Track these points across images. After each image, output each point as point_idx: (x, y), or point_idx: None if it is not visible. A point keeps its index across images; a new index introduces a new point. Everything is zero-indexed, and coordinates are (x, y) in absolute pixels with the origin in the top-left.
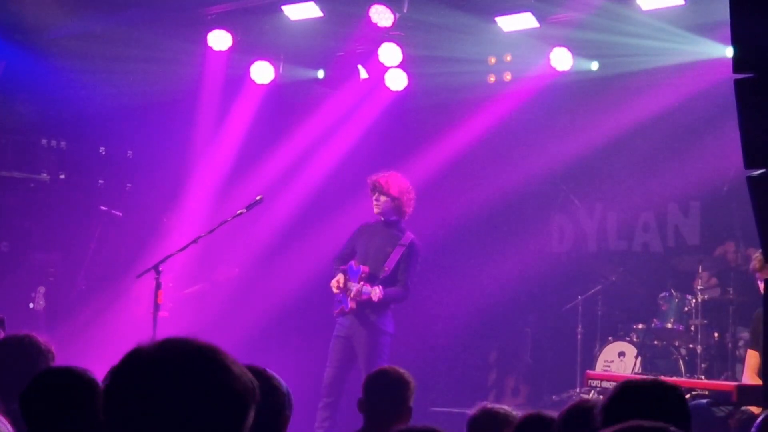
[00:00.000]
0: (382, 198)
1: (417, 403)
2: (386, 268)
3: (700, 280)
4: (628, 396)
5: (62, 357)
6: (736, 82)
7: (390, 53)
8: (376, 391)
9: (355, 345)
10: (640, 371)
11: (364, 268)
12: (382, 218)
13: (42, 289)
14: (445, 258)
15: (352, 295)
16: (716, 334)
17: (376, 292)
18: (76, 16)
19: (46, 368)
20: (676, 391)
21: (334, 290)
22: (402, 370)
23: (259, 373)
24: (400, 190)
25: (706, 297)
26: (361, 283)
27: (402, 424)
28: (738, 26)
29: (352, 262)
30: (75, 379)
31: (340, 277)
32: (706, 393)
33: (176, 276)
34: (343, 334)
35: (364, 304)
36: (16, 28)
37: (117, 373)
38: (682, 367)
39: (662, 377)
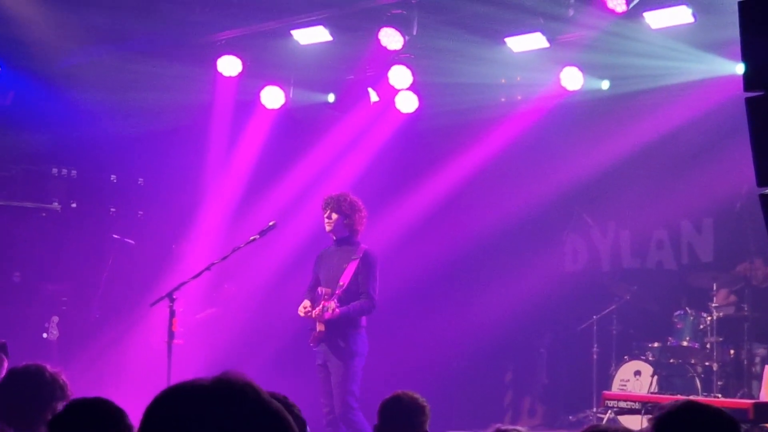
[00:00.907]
0: (334, 215)
1: (433, 426)
2: (342, 283)
3: (716, 298)
4: (685, 415)
5: (78, 387)
6: (747, 99)
7: (400, 76)
8: (392, 416)
9: (330, 369)
10: (656, 390)
11: (325, 290)
12: (334, 237)
13: (55, 319)
14: (459, 278)
15: (313, 316)
16: (732, 351)
17: (330, 307)
18: (85, 45)
19: (76, 399)
20: (735, 426)
21: (302, 315)
22: (416, 395)
23: (281, 402)
24: (352, 208)
25: (721, 314)
26: (322, 303)
27: None
28: (748, 44)
29: (319, 288)
30: (103, 409)
31: (306, 302)
32: None
33: (186, 300)
34: (321, 362)
35: (333, 327)
36: (24, 57)
37: (158, 406)
38: (699, 384)
39: (699, 398)
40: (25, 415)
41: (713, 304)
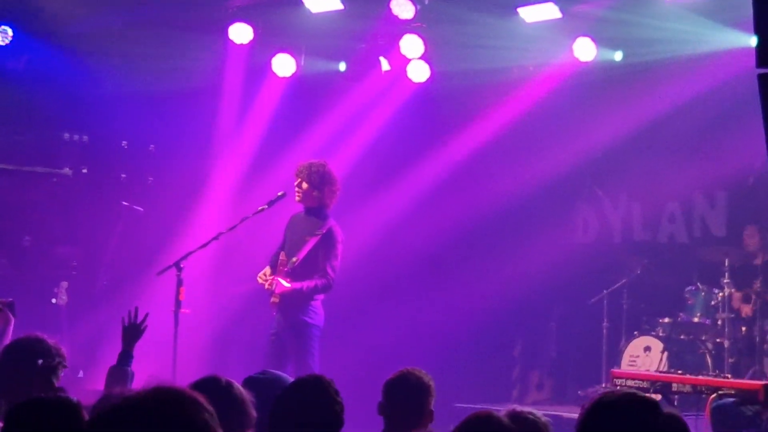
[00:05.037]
0: (304, 185)
1: (440, 399)
2: (295, 259)
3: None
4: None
5: (84, 353)
6: (760, 76)
7: (412, 45)
8: (396, 395)
9: (284, 340)
10: (666, 366)
11: (282, 259)
12: (304, 206)
13: (65, 284)
14: (469, 251)
15: (266, 288)
16: (743, 328)
17: (281, 284)
18: (97, 11)
19: (31, 398)
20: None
21: (259, 282)
22: (422, 373)
23: (316, 382)
24: (323, 180)
25: (733, 290)
26: (274, 277)
27: (423, 427)
28: (761, 19)
29: (281, 255)
30: (60, 408)
31: (266, 269)
32: (733, 392)
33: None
34: (274, 330)
35: (288, 298)
36: (37, 22)
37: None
38: (709, 361)
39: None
40: (24, 387)
41: (725, 280)
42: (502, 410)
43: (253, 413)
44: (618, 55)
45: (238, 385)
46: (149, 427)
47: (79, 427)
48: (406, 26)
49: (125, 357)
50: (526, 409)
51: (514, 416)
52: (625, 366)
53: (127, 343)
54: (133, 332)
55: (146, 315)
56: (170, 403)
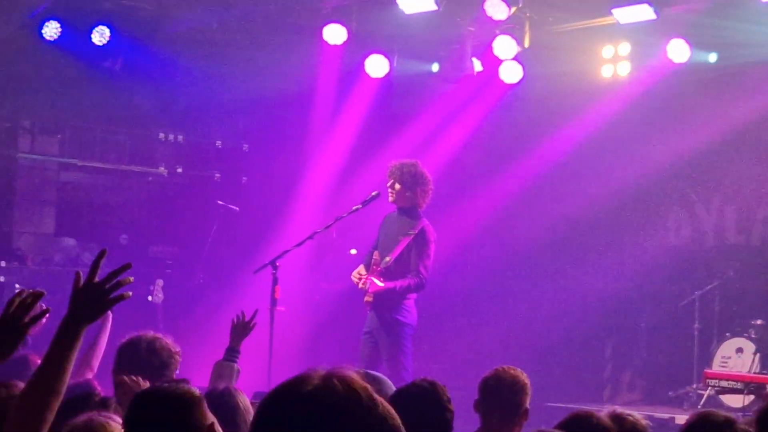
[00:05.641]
0: (397, 186)
1: (533, 399)
2: (389, 259)
3: None
4: None
5: (182, 350)
6: None
7: (505, 46)
8: (492, 392)
9: (377, 339)
10: (758, 368)
11: (376, 258)
12: (397, 206)
13: (160, 282)
14: (560, 252)
15: (359, 287)
16: None
17: (374, 283)
18: (193, 11)
19: (155, 387)
20: None
21: (354, 281)
22: (517, 371)
23: (426, 388)
24: (415, 181)
25: None
26: (368, 277)
27: (519, 425)
28: None
29: (374, 253)
30: (180, 397)
31: (360, 268)
32: None
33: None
34: (368, 329)
35: (381, 297)
36: (133, 23)
37: (271, 403)
38: None
39: None
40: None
41: None
42: (602, 410)
43: None
44: (712, 57)
45: None
46: (320, 407)
47: (200, 417)
48: (500, 27)
49: (232, 353)
50: (626, 410)
51: (615, 417)
52: (717, 367)
53: (235, 340)
54: (242, 330)
55: (255, 312)
56: (343, 388)
